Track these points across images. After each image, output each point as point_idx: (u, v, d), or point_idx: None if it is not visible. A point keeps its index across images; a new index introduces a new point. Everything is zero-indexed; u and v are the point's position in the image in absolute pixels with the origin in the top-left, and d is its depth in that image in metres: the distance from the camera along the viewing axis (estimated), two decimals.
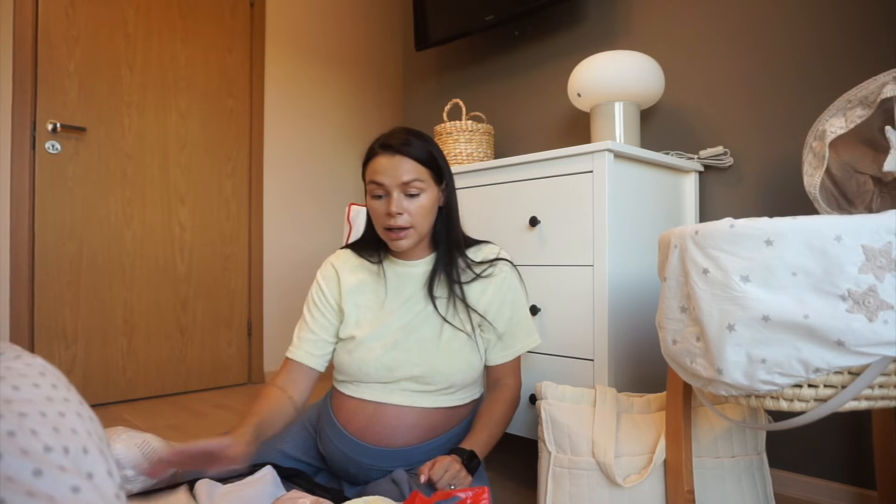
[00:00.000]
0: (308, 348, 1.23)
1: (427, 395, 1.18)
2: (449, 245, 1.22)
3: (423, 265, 1.23)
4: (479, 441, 1.16)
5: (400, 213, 1.12)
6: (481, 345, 1.23)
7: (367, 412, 1.17)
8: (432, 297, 1.18)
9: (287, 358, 1.25)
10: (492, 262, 1.24)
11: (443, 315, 1.18)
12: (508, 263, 1.26)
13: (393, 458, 1.17)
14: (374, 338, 1.18)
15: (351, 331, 1.21)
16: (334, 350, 1.25)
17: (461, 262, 1.22)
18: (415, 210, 1.13)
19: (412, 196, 1.13)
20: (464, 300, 1.20)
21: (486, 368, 1.28)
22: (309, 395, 1.25)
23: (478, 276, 1.22)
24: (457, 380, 1.18)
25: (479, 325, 1.22)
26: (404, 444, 1.17)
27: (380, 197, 1.15)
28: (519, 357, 1.28)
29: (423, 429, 1.17)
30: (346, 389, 1.21)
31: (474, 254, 1.26)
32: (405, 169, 1.11)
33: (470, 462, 1.10)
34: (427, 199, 1.14)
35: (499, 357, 1.25)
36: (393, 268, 1.24)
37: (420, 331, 1.18)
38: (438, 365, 1.16)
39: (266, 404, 1.15)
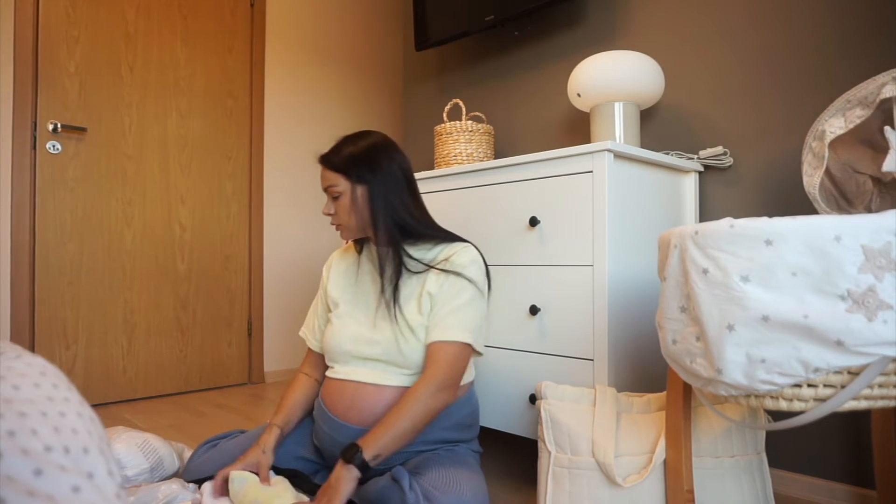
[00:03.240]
0: (312, 335, 1.45)
1: (401, 375, 1.24)
2: (382, 238, 1.29)
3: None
4: (374, 440, 1.11)
5: (329, 214, 1.32)
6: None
7: (348, 393, 1.25)
8: (382, 284, 1.28)
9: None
10: (452, 267, 1.25)
11: (391, 302, 1.27)
12: (472, 269, 1.26)
13: None
14: (347, 312, 1.33)
15: (334, 309, 1.37)
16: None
17: (402, 254, 1.28)
18: (339, 211, 1.30)
19: (335, 199, 1.30)
20: (396, 300, 1.26)
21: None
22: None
23: (428, 268, 1.27)
24: (416, 360, 1.23)
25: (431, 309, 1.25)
26: None
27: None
28: (449, 350, 1.19)
29: None
30: (331, 373, 1.31)
31: (439, 250, 1.30)
32: (325, 177, 1.31)
33: (360, 467, 1.07)
34: (345, 200, 1.30)
35: (428, 336, 1.21)
36: (368, 251, 1.40)
37: (381, 310, 1.29)
38: (396, 345, 1.23)
39: (291, 395, 1.39)
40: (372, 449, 1.09)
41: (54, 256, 2.24)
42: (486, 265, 1.32)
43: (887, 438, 1.13)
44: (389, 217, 1.28)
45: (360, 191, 1.29)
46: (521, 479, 1.52)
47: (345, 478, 1.06)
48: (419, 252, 1.31)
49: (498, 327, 1.53)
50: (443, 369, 1.18)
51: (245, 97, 2.78)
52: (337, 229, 1.33)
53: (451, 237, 1.33)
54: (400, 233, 1.28)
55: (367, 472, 1.08)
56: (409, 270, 1.27)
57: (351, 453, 1.08)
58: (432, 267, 1.26)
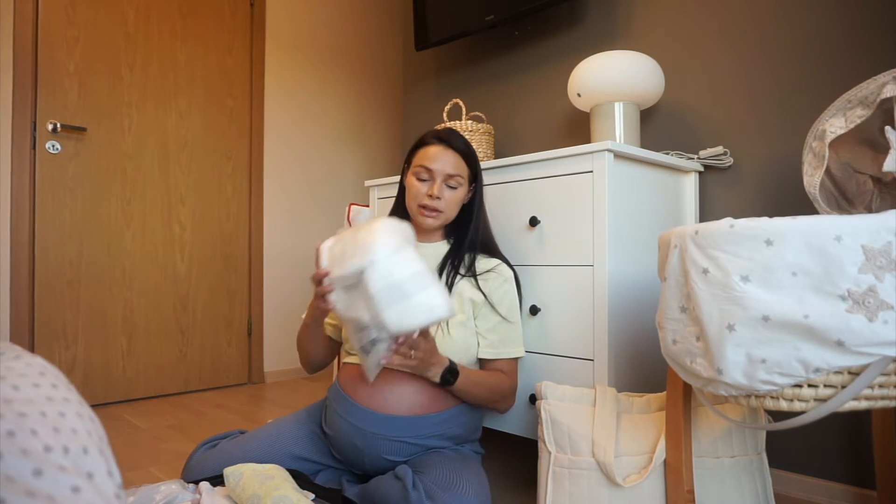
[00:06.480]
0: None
1: None
2: (463, 238, 1.36)
3: (433, 247, 1.38)
4: (467, 371, 1.24)
5: (439, 199, 1.30)
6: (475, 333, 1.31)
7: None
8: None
9: None
10: (492, 268, 1.35)
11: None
12: (511, 272, 1.37)
13: (398, 425, 1.20)
14: None
15: None
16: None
17: (467, 258, 1.35)
18: (450, 199, 1.32)
19: (451, 188, 1.32)
20: (452, 284, 1.30)
21: (481, 363, 1.33)
22: (329, 357, 1.43)
23: (474, 275, 1.33)
24: (451, 354, 1.24)
25: (475, 317, 1.31)
26: (409, 412, 1.21)
27: (424, 180, 1.33)
28: (513, 364, 1.35)
29: (427, 397, 1.22)
30: (353, 359, 1.29)
31: (485, 261, 1.37)
32: (452, 163, 1.31)
33: (448, 372, 1.19)
34: (461, 194, 1.34)
35: (488, 351, 1.31)
36: None
37: None
38: (435, 337, 1.22)
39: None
40: (462, 377, 1.21)
41: (54, 256, 2.23)
42: (518, 282, 1.39)
43: (887, 438, 1.13)
44: (484, 225, 1.38)
45: (472, 191, 1.37)
46: (521, 480, 1.52)
47: (439, 364, 1.18)
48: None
49: None
50: (513, 378, 1.33)
51: (245, 97, 2.78)
52: (430, 213, 1.31)
53: (493, 248, 1.41)
54: (481, 244, 1.37)
55: (447, 382, 1.19)
56: (460, 274, 1.33)
57: (451, 365, 1.20)
58: (476, 275, 1.33)
